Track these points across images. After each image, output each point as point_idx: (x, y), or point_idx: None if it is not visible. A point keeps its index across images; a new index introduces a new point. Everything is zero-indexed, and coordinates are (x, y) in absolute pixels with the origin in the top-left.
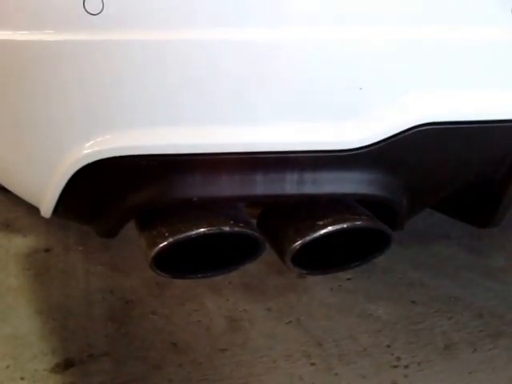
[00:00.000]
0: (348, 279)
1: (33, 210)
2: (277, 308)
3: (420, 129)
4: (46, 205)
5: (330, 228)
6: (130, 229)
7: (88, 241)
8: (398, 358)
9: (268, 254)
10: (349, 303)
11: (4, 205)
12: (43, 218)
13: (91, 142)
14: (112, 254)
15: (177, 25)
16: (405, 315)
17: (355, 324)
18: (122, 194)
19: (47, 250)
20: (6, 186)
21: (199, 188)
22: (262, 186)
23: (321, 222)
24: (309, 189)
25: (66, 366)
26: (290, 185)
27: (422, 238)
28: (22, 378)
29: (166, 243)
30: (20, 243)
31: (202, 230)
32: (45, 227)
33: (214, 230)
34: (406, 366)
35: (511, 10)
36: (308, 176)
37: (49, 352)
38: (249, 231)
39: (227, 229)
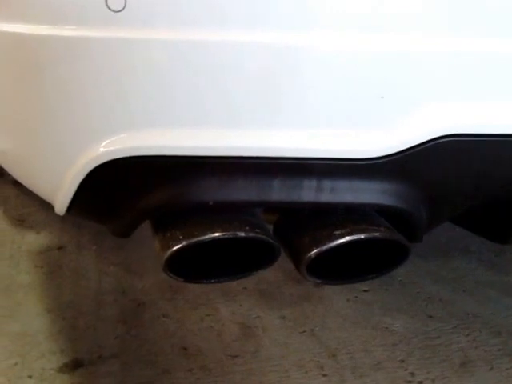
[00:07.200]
0: (365, 291)
1: (47, 206)
2: (291, 317)
3: (442, 140)
4: (61, 202)
5: (347, 238)
6: (145, 230)
7: (102, 240)
8: (413, 374)
9: (286, 262)
10: (365, 315)
11: (19, 199)
12: (57, 214)
13: (108, 141)
14: (126, 254)
15: (199, 25)
16: (421, 330)
17: (370, 337)
18: (137, 195)
19: (60, 248)
20: (20, 181)
21: (216, 192)
22: (280, 192)
23: (338, 232)
24: (327, 197)
25: (74, 366)
26: (308, 192)
27: (443, 252)
28: (30, 377)
29: (179, 246)
30: (33, 240)
31: (217, 234)
32: (59, 224)
33: (228, 234)
34: (420, 382)
35: None
36: (326, 184)
37: (57, 351)
38: (264, 237)
39: (242, 234)
